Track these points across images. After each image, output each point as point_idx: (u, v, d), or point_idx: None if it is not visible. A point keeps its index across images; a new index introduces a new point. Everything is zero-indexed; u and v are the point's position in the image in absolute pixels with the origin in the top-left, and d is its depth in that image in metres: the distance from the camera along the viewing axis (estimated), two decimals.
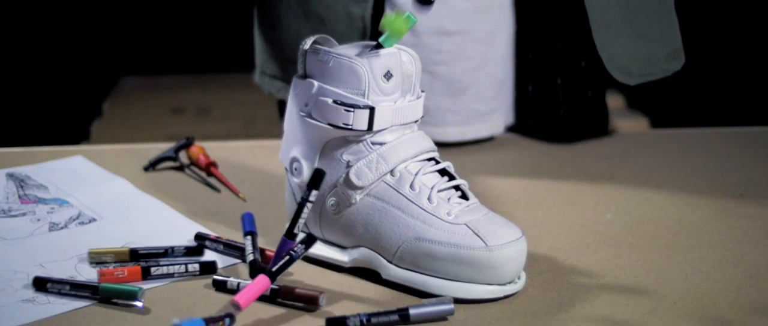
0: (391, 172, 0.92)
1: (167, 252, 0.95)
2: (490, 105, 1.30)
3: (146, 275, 0.91)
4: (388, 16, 0.89)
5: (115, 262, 0.94)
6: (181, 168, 1.21)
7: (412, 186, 0.91)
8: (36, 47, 2.75)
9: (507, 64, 1.30)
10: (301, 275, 0.93)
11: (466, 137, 1.30)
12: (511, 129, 1.34)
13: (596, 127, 1.36)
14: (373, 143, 0.92)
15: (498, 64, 1.29)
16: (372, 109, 0.90)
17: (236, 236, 0.99)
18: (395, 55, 0.91)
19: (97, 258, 0.95)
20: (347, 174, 0.92)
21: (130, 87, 2.80)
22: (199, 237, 0.99)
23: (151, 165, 1.21)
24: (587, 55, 1.20)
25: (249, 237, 0.95)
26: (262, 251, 0.95)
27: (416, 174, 0.92)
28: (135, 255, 0.95)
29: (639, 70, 1.23)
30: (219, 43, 2.81)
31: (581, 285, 0.91)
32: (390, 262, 0.91)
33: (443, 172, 0.94)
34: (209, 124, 2.51)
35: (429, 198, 0.90)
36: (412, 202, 0.91)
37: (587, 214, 1.09)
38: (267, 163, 1.22)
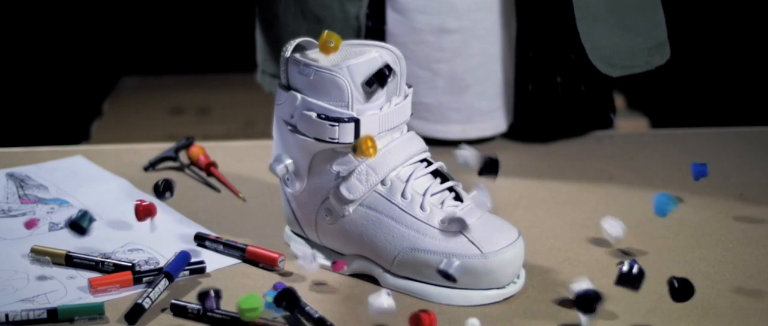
0: (382, 182, 0.91)
1: (98, 265, 0.93)
2: (493, 103, 1.29)
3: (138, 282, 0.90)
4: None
5: (53, 264, 0.94)
6: (181, 168, 1.21)
7: (403, 194, 0.90)
8: (36, 47, 2.75)
9: (509, 62, 1.29)
10: (301, 275, 0.93)
11: (469, 135, 1.29)
12: (511, 129, 1.33)
13: (595, 120, 1.36)
14: None
15: (500, 62, 1.29)
16: (357, 121, 0.89)
17: (236, 236, 0.99)
18: (377, 61, 0.89)
19: (38, 257, 0.94)
20: (338, 187, 0.91)
21: (130, 87, 2.80)
22: (199, 237, 0.99)
23: (151, 165, 1.21)
24: (576, 49, 1.19)
25: (165, 279, 0.88)
26: (255, 251, 0.95)
27: (407, 180, 0.90)
28: (69, 260, 0.94)
29: (622, 61, 1.22)
30: (219, 43, 2.81)
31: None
32: (388, 271, 0.91)
33: (436, 173, 0.93)
34: (209, 124, 2.51)
35: (421, 206, 0.89)
36: (405, 212, 0.89)
37: (587, 214, 1.09)
38: (267, 163, 1.22)
